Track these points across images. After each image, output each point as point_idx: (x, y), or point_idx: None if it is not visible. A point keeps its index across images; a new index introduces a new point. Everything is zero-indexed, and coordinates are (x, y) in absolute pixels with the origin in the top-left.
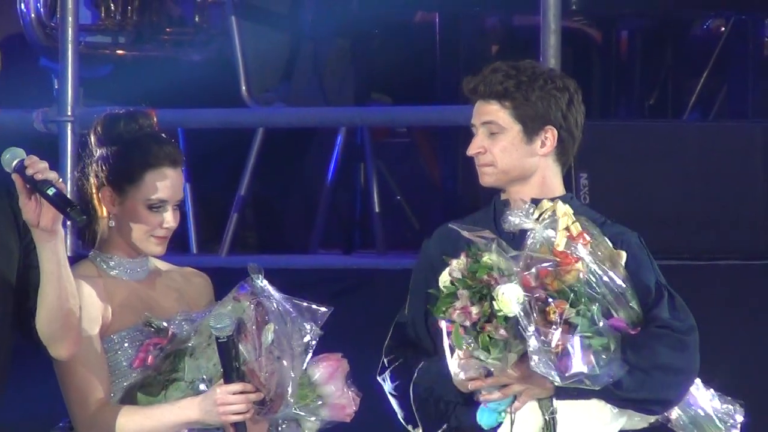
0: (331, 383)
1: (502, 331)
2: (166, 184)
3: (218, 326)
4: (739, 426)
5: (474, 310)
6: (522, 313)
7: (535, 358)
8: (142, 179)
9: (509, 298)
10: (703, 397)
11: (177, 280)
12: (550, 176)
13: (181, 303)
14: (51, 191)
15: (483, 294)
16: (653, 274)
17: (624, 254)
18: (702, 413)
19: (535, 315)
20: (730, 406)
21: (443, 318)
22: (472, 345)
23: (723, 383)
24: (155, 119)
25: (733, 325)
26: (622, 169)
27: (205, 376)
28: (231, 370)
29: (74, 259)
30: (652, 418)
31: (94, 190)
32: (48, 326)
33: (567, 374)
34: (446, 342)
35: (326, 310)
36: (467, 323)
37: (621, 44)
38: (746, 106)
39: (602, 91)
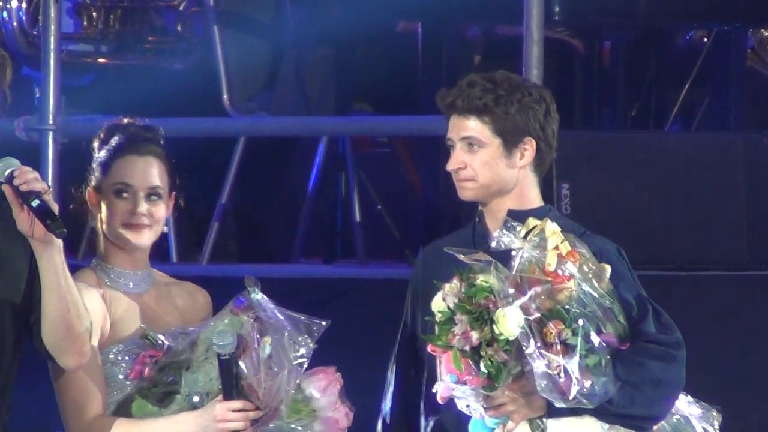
0: (325, 397)
1: (503, 354)
2: (130, 169)
3: (221, 343)
4: (717, 430)
5: (474, 335)
6: (523, 336)
7: (542, 382)
8: (110, 168)
9: (510, 322)
10: (681, 402)
11: (178, 294)
12: (528, 187)
13: (181, 318)
14: (35, 203)
15: (484, 318)
16: (634, 288)
17: (609, 268)
18: (683, 420)
19: (535, 338)
20: (708, 411)
21: (442, 346)
22: (474, 371)
23: (704, 393)
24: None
25: (714, 335)
26: (604, 180)
27: (201, 390)
28: (231, 386)
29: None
30: None
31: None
32: (52, 336)
33: (570, 396)
34: (440, 368)
35: (324, 323)
36: (467, 348)
37: (603, 55)
38: (728, 117)
39: (584, 101)
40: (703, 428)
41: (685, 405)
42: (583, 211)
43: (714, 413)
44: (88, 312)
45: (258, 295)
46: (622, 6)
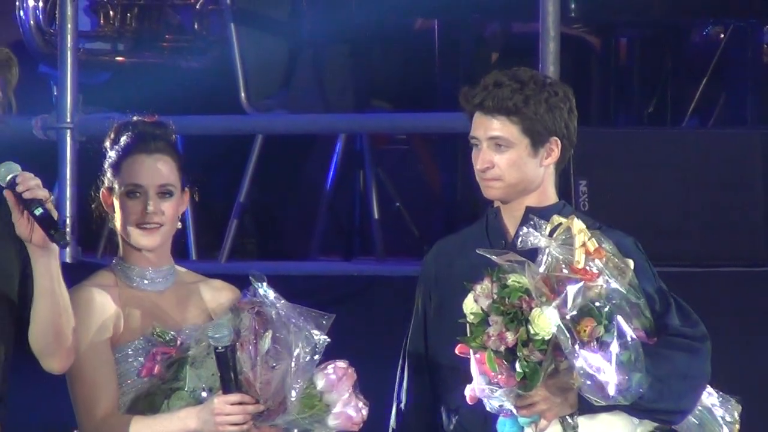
0: (337, 391)
1: (539, 354)
2: (140, 168)
3: (216, 336)
4: (738, 421)
5: (510, 336)
6: (561, 335)
7: (586, 382)
8: (120, 169)
9: (546, 321)
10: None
11: (205, 291)
12: (548, 185)
13: (204, 315)
14: (38, 211)
15: (519, 319)
16: (654, 281)
17: (632, 263)
18: (706, 411)
19: (574, 336)
20: (727, 401)
21: (476, 347)
22: (507, 370)
23: (724, 389)
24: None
25: (733, 332)
26: (621, 176)
27: (205, 385)
28: (228, 380)
29: (71, 266)
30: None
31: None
32: (40, 340)
33: (610, 394)
34: (474, 369)
35: (329, 316)
36: (502, 349)
37: (620, 51)
38: (745, 113)
39: (601, 98)
40: (724, 418)
41: (705, 396)
42: (600, 207)
43: (734, 403)
44: (72, 316)
45: (264, 290)
46: (638, 2)
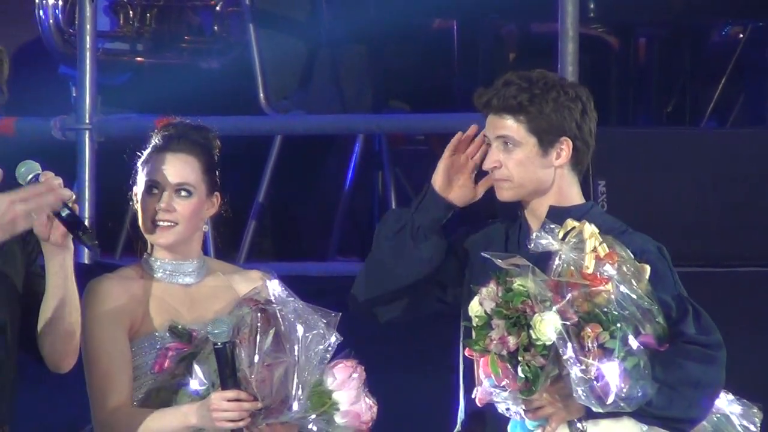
0: (345, 389)
1: (540, 359)
2: (159, 166)
3: (215, 332)
4: (759, 427)
5: (511, 340)
6: (560, 341)
7: (579, 389)
8: (146, 166)
9: (547, 327)
10: (722, 401)
11: (238, 284)
12: (565, 186)
13: None
14: (64, 212)
15: (521, 323)
16: (674, 288)
17: (648, 268)
18: (723, 419)
19: (573, 343)
20: (749, 408)
21: (479, 350)
22: (511, 376)
23: (741, 389)
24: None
25: (751, 332)
26: (640, 177)
27: (207, 381)
28: (226, 376)
29: (89, 267)
30: None
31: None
32: (49, 338)
33: (607, 402)
34: (480, 371)
35: (336, 314)
36: (504, 353)
37: (639, 51)
38: (764, 112)
39: (620, 98)
40: (744, 426)
41: (725, 403)
42: (619, 207)
43: (755, 410)
44: (80, 316)
45: (274, 288)
46: (657, 2)
